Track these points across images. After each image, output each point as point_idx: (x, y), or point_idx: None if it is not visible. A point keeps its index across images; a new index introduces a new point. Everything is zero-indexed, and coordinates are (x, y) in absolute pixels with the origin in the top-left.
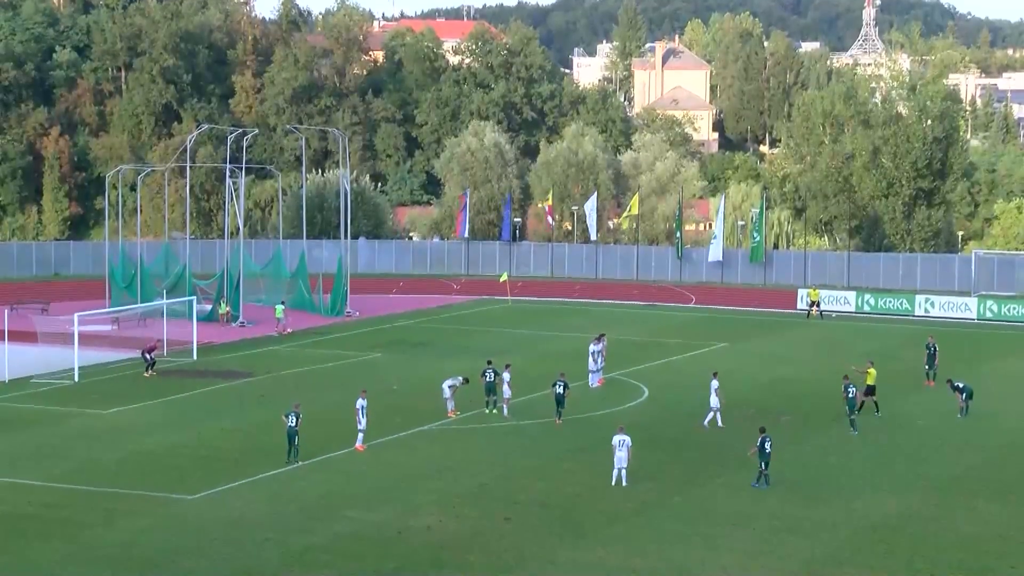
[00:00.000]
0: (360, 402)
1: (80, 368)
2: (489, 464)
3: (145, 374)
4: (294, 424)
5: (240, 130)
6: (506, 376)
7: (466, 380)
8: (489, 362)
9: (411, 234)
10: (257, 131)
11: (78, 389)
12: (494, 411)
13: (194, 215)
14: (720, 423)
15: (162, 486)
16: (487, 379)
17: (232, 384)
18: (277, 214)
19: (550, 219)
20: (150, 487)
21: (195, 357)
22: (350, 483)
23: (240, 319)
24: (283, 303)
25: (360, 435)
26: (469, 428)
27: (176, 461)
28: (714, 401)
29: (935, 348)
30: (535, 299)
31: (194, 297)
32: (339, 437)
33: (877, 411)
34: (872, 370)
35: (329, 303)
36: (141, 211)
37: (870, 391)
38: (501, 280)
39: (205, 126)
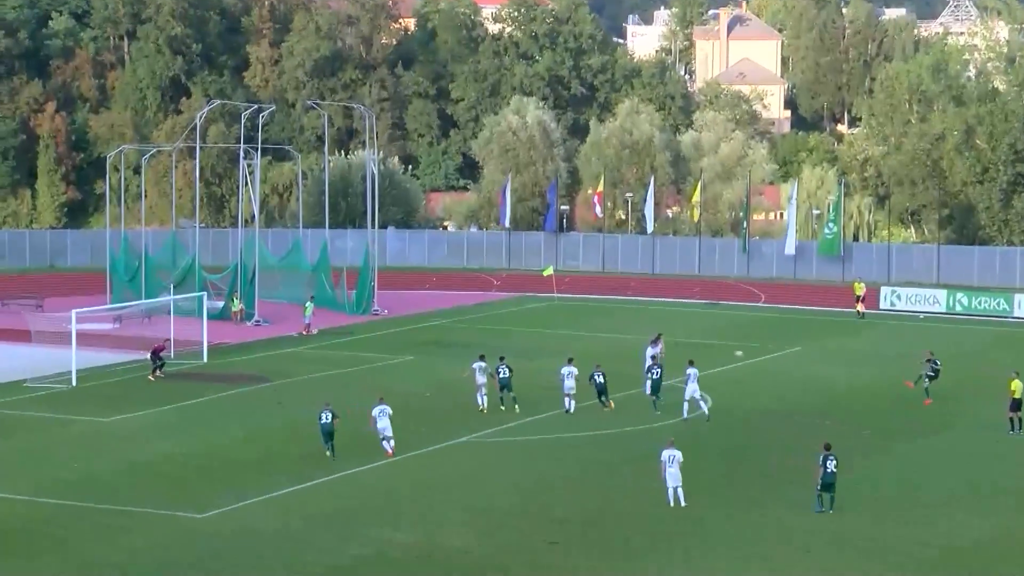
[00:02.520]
0: (378, 408)
1: (78, 371)
2: (527, 478)
3: (150, 377)
4: (329, 420)
5: (255, 106)
6: (573, 370)
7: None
8: (502, 358)
9: (445, 223)
10: (274, 107)
11: (76, 394)
12: (516, 408)
13: (204, 201)
14: (692, 412)
15: (167, 502)
16: (501, 375)
17: (246, 390)
18: (296, 200)
19: (598, 207)
20: (153, 503)
21: (205, 359)
22: (374, 499)
23: (255, 317)
24: (312, 299)
25: (386, 443)
26: (505, 440)
27: (183, 474)
28: (691, 390)
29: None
30: (583, 296)
31: (204, 293)
32: (363, 449)
33: (1016, 429)
34: (1018, 382)
35: (354, 300)
36: (146, 196)
37: (1015, 406)
38: (545, 275)
39: (216, 102)
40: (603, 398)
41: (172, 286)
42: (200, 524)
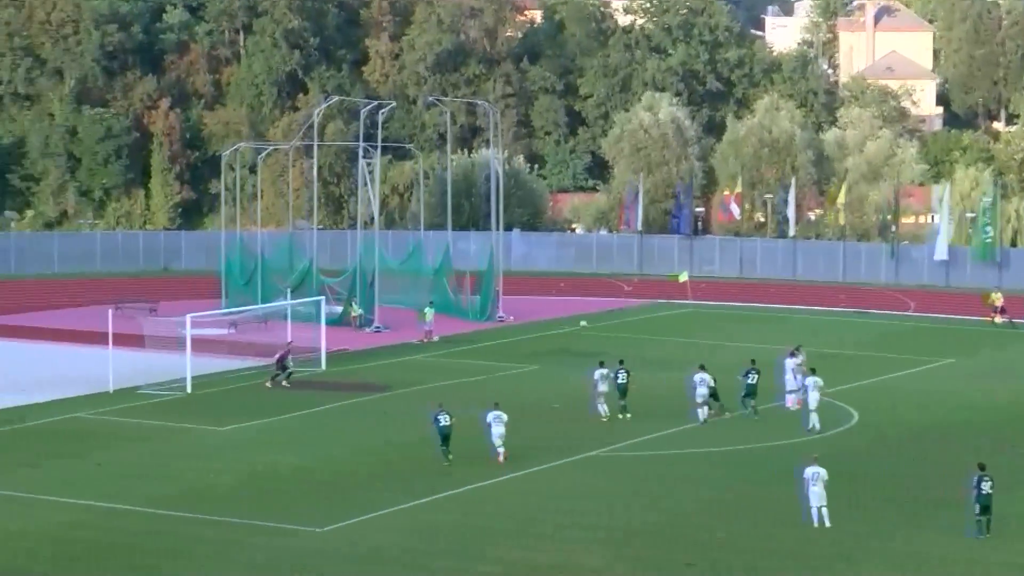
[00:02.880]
0: (492, 414)
1: (193, 377)
2: (662, 495)
3: (268, 383)
4: (448, 423)
5: (375, 103)
6: (705, 377)
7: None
8: (621, 362)
9: (574, 225)
10: (394, 104)
11: (190, 401)
12: (627, 416)
13: (322, 201)
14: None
15: (284, 515)
16: (619, 380)
17: (366, 399)
18: (417, 201)
19: (735, 209)
20: (270, 516)
21: (323, 367)
22: (501, 515)
23: (374, 323)
24: (432, 304)
25: (499, 449)
26: (639, 455)
27: (301, 487)
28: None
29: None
30: (720, 303)
31: (322, 297)
32: (487, 463)
33: None
34: None
35: (478, 305)
36: (262, 196)
37: None
38: (680, 280)
39: (334, 98)
40: (716, 402)
41: (288, 290)
42: (321, 539)
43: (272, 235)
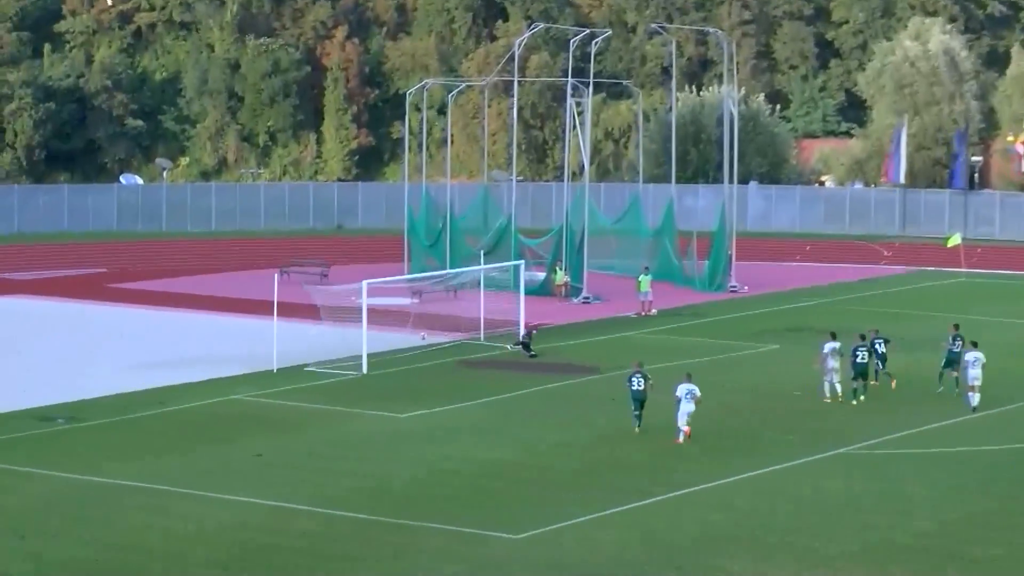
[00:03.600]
0: (684, 387)
1: (369, 355)
2: (929, 503)
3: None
4: (641, 387)
5: (586, 31)
6: (980, 356)
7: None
8: (875, 332)
9: (823, 178)
10: (610, 33)
11: (366, 383)
12: (861, 398)
13: (522, 148)
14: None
15: (473, 519)
16: (877, 348)
17: (572, 382)
18: (635, 148)
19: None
20: (456, 519)
21: (515, 343)
22: (733, 521)
23: (583, 293)
24: (646, 270)
25: (680, 428)
26: (899, 453)
27: (493, 485)
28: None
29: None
30: (1000, 273)
31: (521, 262)
32: (714, 460)
33: None
34: None
35: (706, 273)
36: (452, 142)
37: None
38: (950, 245)
39: (539, 26)
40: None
41: (483, 253)
42: (516, 547)
43: (464, 188)
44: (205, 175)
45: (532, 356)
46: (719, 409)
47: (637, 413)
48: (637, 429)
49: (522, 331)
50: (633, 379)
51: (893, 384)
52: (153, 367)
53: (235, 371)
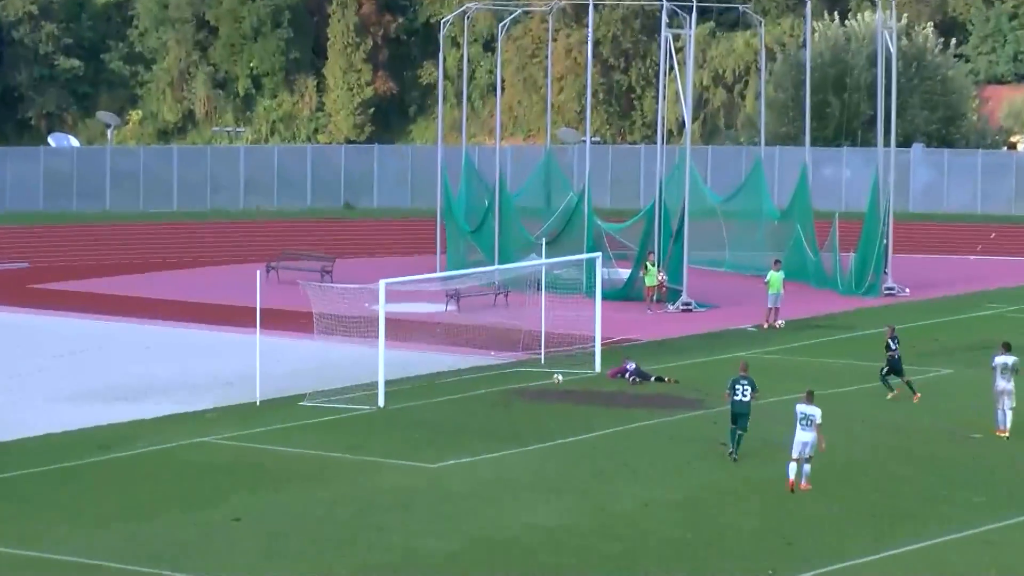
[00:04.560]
0: (801, 408)
1: (389, 383)
2: None
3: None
4: (745, 397)
5: None
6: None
7: None
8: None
9: (1014, 139)
10: None
11: (384, 420)
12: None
13: (600, 99)
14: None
15: None
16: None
17: (665, 420)
18: (755, 98)
19: None
20: None
21: (598, 367)
22: None
23: (683, 297)
24: (778, 265)
25: (798, 464)
26: None
27: (559, 561)
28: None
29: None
30: None
31: (598, 255)
32: (860, 526)
33: None
34: None
35: (853, 269)
36: (503, 90)
37: None
38: None
39: None
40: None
41: (544, 243)
42: None
43: (519, 153)
44: (164, 135)
45: (645, 376)
46: (868, 454)
47: (733, 428)
48: (734, 456)
49: (629, 364)
50: (737, 387)
51: (916, 398)
52: (94, 398)
53: (205, 404)
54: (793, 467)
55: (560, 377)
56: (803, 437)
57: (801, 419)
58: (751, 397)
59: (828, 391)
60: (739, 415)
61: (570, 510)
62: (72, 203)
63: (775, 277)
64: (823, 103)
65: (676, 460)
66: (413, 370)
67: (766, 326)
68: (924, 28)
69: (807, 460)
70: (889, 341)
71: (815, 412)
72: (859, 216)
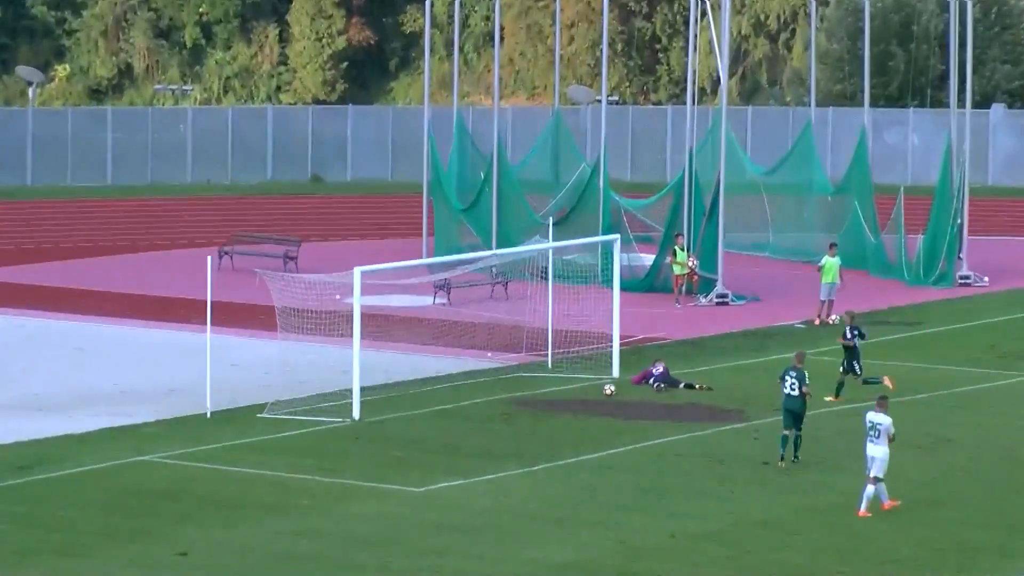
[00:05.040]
0: (872, 417)
1: (366, 390)
2: None
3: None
4: (796, 391)
5: None
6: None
7: None
8: None
9: None
10: None
11: (359, 436)
12: None
13: (619, 51)
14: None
15: None
16: None
17: (698, 435)
18: (805, 51)
19: None
20: None
21: (615, 372)
22: None
23: (718, 287)
24: (834, 250)
25: (871, 487)
26: None
27: None
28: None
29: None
30: None
31: (616, 237)
32: (945, 562)
33: None
34: None
35: (921, 254)
36: (502, 41)
37: None
38: None
39: None
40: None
41: (551, 223)
42: None
43: (522, 115)
44: (97, 94)
45: (687, 386)
46: (940, 474)
47: (791, 434)
48: (781, 462)
49: (655, 368)
50: (786, 379)
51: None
52: (13, 409)
53: (145, 416)
54: (866, 502)
55: (612, 388)
56: (871, 451)
57: (870, 430)
58: (804, 392)
59: (892, 399)
60: (788, 413)
61: (584, 545)
62: None
63: (830, 264)
64: (885, 55)
65: (711, 483)
66: (395, 376)
67: (818, 322)
68: None
69: (876, 480)
70: (848, 330)
71: (884, 421)
72: (928, 191)
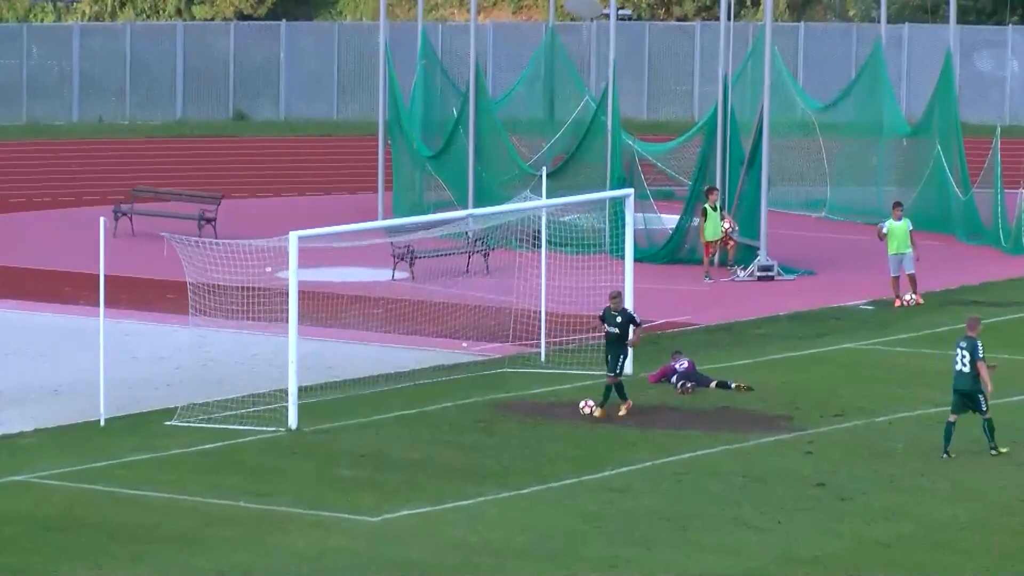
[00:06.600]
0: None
1: (305, 390)
2: None
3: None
4: (965, 368)
5: None
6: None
7: None
8: None
9: None
10: None
11: (298, 448)
12: None
13: None
14: None
15: None
16: None
17: (734, 448)
18: None
19: None
20: None
21: (628, 368)
22: None
23: (760, 259)
24: (899, 209)
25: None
26: None
27: None
28: None
29: None
30: None
31: (629, 191)
32: None
33: None
34: None
35: (1022, 213)
36: None
37: None
38: None
39: None
40: None
41: (544, 174)
42: None
43: (506, 33)
44: None
45: (719, 386)
46: None
47: (979, 416)
48: (944, 455)
49: (678, 363)
50: (957, 350)
51: None
52: None
53: (24, 425)
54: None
55: (591, 406)
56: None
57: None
58: (974, 367)
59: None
60: (955, 393)
61: None
62: None
63: (896, 228)
64: None
65: (749, 511)
66: (343, 372)
67: (898, 303)
68: None
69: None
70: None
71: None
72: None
